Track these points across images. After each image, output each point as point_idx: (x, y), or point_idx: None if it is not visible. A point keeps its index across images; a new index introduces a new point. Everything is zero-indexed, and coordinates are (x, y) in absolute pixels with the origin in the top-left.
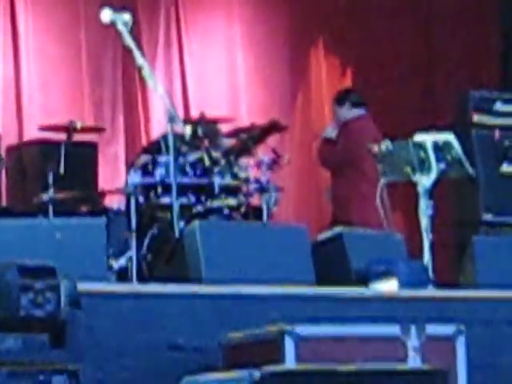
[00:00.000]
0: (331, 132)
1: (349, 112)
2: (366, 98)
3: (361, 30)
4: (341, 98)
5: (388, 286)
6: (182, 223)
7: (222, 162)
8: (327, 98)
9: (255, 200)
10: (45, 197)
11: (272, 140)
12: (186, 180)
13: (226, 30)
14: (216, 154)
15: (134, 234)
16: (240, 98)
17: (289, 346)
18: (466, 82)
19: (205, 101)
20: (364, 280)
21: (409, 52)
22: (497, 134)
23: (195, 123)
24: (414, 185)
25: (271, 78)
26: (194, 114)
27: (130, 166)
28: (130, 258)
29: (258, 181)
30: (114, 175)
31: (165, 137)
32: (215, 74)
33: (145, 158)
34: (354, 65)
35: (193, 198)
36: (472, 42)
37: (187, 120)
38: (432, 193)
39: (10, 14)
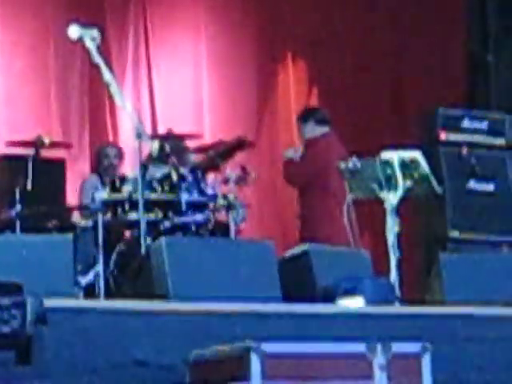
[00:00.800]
0: (292, 153)
1: (313, 129)
2: (332, 116)
3: (328, 51)
4: (305, 116)
5: (354, 303)
6: (149, 239)
7: (189, 178)
8: (294, 115)
9: (222, 216)
10: (12, 212)
11: (239, 156)
12: (153, 196)
13: (193, 47)
14: (183, 170)
15: (101, 250)
16: (206, 115)
17: (255, 363)
18: (433, 100)
19: (172, 117)
20: (330, 297)
21: (377, 71)
22: (464, 150)
23: (163, 139)
24: (380, 202)
25: (237, 94)
26: (162, 130)
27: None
28: (98, 274)
29: (225, 197)
30: None
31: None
32: (182, 91)
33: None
34: (321, 81)
35: (160, 214)
36: (439, 62)
37: (155, 136)
38: (399, 210)
39: None
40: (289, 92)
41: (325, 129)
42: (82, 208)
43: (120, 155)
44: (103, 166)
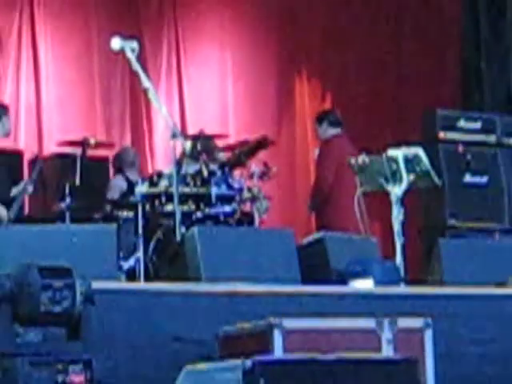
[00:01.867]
0: (316, 152)
1: (327, 130)
2: (344, 118)
3: (339, 60)
4: (320, 118)
5: (364, 284)
6: (183, 228)
7: (218, 173)
8: (310, 118)
9: (247, 207)
10: (62, 205)
11: (261, 154)
12: (186, 190)
13: (219, 58)
14: (213, 167)
15: (141, 239)
16: (231, 118)
17: (277, 337)
18: (432, 103)
19: (200, 120)
20: (343, 279)
21: (381, 79)
22: (460, 148)
23: (195, 139)
24: (387, 194)
25: (259, 100)
26: (191, 131)
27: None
28: (138, 260)
29: (249, 190)
30: None
31: None
32: (209, 96)
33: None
34: (333, 89)
35: (192, 206)
36: (438, 68)
37: (188, 136)
38: (403, 201)
39: (31, 46)
40: (304, 98)
41: (337, 130)
42: (124, 202)
43: (137, 154)
44: (127, 164)
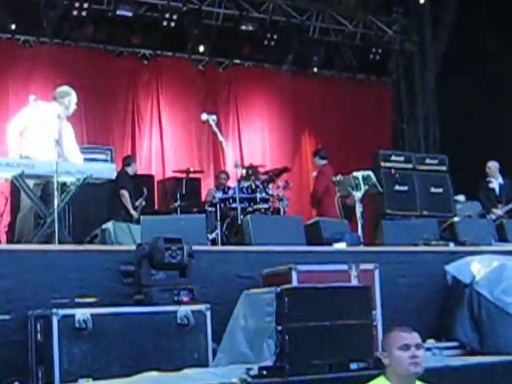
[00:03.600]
0: (314, 174)
1: (319, 161)
2: (328, 154)
3: (328, 127)
4: (315, 153)
5: (341, 246)
6: (242, 217)
7: (261, 186)
8: (309, 156)
9: (277, 205)
10: (176, 204)
11: (284, 176)
12: (243, 195)
13: (261, 124)
14: (257, 183)
15: (218, 223)
16: (267, 156)
17: (294, 275)
18: (377, 147)
19: (250, 157)
20: (329, 242)
21: (348, 136)
22: (392, 171)
23: (247, 168)
24: (353, 196)
25: (283, 146)
26: (245, 163)
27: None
28: (217, 234)
29: (278, 196)
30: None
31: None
32: (255, 144)
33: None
34: (322, 141)
35: (247, 204)
36: (380, 128)
37: (243, 166)
38: (362, 200)
39: (158, 118)
40: (306, 145)
41: (325, 161)
42: (208, 202)
43: (227, 176)
44: (219, 182)
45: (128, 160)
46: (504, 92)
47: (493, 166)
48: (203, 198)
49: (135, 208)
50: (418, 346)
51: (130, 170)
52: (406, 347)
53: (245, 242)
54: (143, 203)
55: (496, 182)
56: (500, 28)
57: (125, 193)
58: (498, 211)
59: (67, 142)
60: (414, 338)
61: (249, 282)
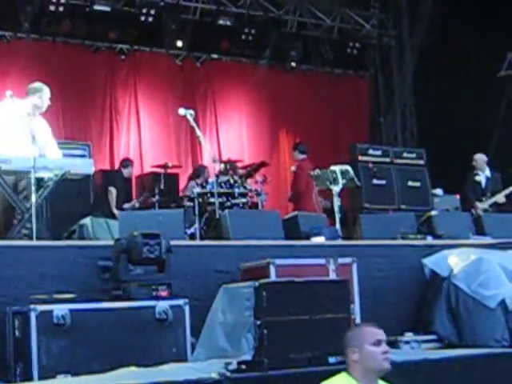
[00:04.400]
0: (293, 168)
1: (298, 155)
2: (307, 149)
3: (306, 122)
4: (294, 147)
5: (319, 240)
6: (220, 211)
7: (239, 181)
8: (287, 150)
9: (255, 199)
10: (154, 200)
11: (262, 170)
12: (221, 190)
13: (239, 119)
14: (236, 178)
15: (196, 217)
16: (245, 150)
17: (272, 270)
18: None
19: (228, 152)
20: (307, 236)
21: (326, 130)
22: (370, 165)
23: (225, 163)
24: (331, 190)
25: (260, 140)
26: (223, 158)
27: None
28: (195, 228)
29: (256, 190)
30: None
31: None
32: (233, 138)
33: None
34: (300, 135)
35: (225, 199)
36: (358, 122)
37: (221, 161)
38: (340, 194)
39: (136, 113)
40: (284, 140)
41: (304, 155)
42: (187, 197)
43: (208, 173)
44: (198, 177)
45: (126, 162)
46: (481, 86)
47: (479, 158)
48: (181, 192)
49: (120, 208)
50: (386, 342)
51: (125, 172)
52: (379, 342)
53: (223, 236)
54: (149, 197)
55: (483, 175)
56: (477, 21)
57: (113, 190)
58: (482, 205)
59: (42, 138)
60: (383, 334)
61: (227, 276)
